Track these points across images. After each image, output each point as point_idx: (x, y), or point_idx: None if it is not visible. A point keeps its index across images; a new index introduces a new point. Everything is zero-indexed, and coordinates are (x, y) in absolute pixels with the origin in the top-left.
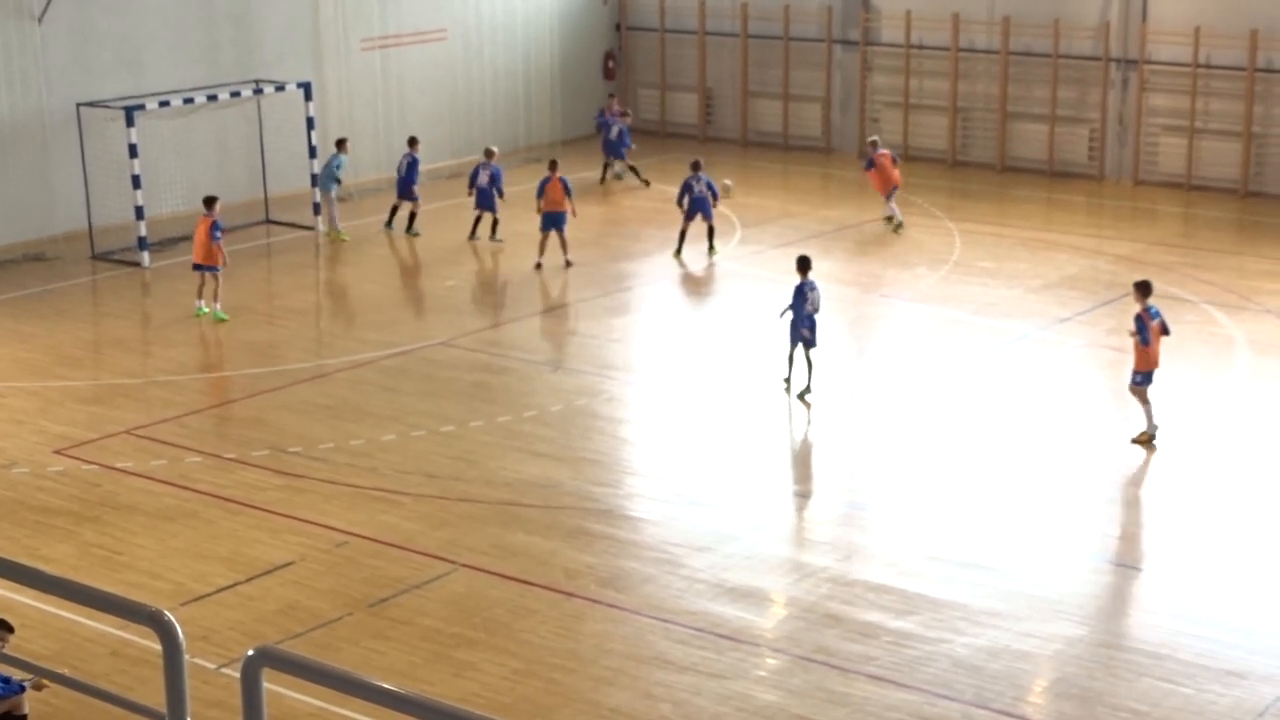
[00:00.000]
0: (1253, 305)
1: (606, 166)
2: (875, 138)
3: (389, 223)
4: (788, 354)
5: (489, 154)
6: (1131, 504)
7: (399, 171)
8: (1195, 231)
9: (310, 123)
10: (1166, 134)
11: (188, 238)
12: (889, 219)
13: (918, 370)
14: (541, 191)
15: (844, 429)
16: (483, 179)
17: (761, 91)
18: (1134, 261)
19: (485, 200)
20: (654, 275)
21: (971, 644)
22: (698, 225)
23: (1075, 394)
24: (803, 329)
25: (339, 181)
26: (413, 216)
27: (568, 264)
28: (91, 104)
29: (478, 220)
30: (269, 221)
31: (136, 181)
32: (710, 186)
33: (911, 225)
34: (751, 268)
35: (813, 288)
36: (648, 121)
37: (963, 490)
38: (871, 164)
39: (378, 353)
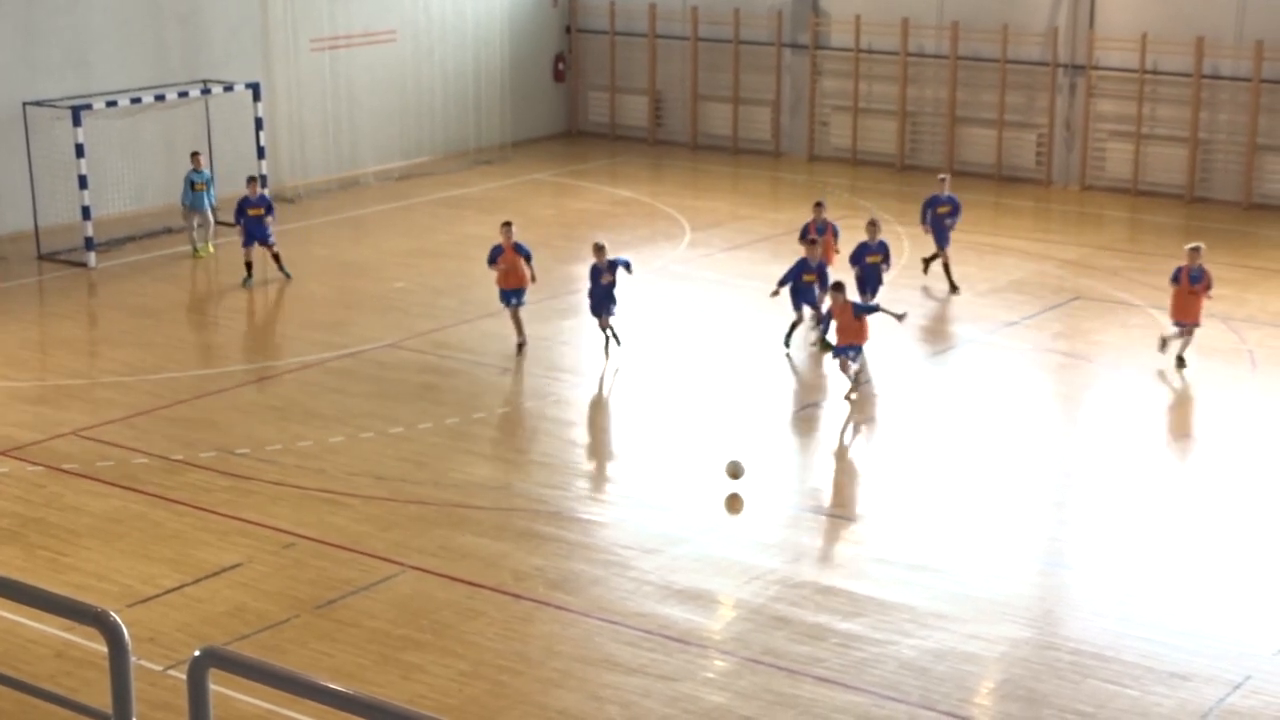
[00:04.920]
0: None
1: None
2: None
3: (248, 279)
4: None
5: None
6: (1076, 507)
7: (241, 221)
8: (1142, 236)
9: (259, 123)
10: (1114, 139)
11: (134, 238)
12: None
13: (864, 374)
14: (494, 261)
15: (790, 433)
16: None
17: (711, 95)
18: (1081, 266)
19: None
20: None
21: (918, 646)
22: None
23: (1022, 398)
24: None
25: (208, 197)
26: (277, 259)
27: (520, 346)
28: (38, 103)
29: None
30: (217, 223)
31: (83, 181)
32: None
33: (861, 228)
34: (701, 270)
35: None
36: (598, 125)
37: (910, 493)
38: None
39: (325, 354)
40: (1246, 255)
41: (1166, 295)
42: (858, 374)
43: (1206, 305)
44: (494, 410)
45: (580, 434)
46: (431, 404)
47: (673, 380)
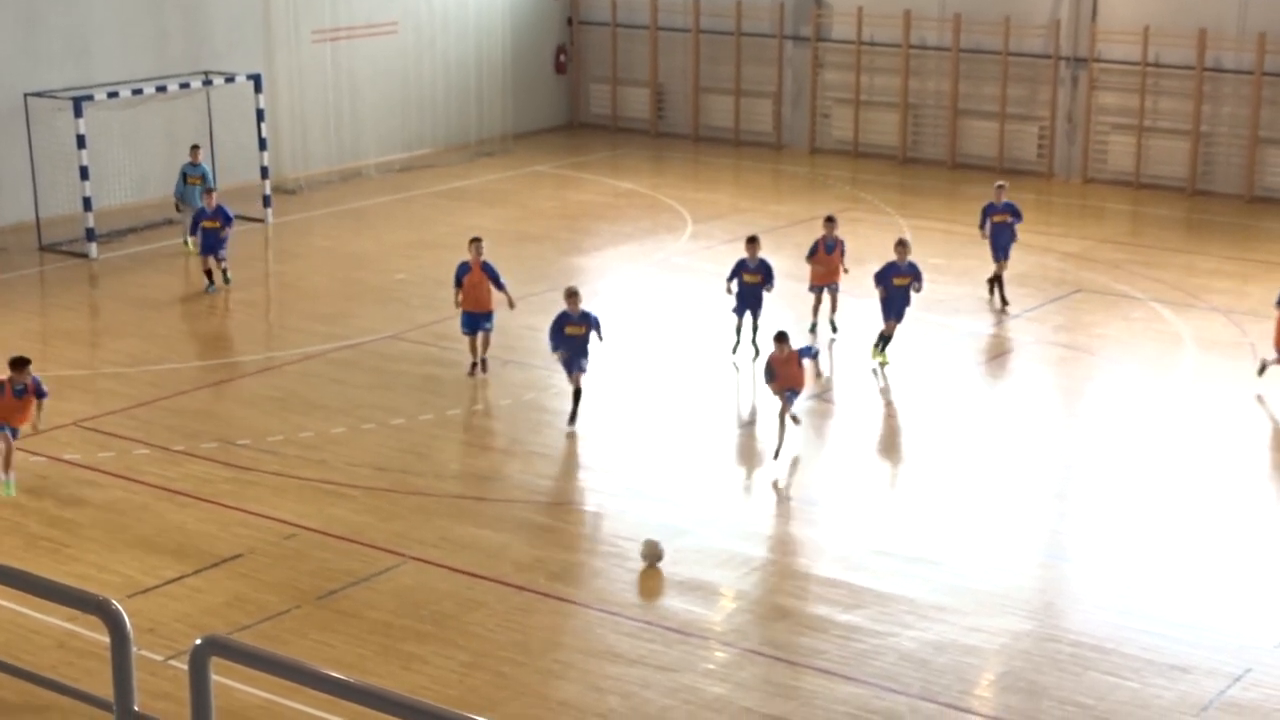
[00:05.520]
0: (1200, 303)
1: None
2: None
3: (209, 286)
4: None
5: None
6: (1078, 499)
7: (197, 231)
8: (1143, 229)
9: (260, 115)
10: (1115, 132)
11: (135, 229)
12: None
13: (866, 366)
14: (459, 281)
15: (792, 424)
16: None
17: (713, 87)
18: (1082, 259)
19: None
20: (605, 269)
21: (919, 638)
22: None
23: (1023, 390)
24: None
25: (206, 188)
26: (223, 270)
27: (479, 365)
28: (39, 94)
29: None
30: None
31: (84, 173)
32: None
33: (862, 221)
34: (702, 262)
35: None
36: (599, 117)
37: (911, 485)
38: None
39: (327, 345)
40: (1248, 248)
41: (1170, 289)
42: (793, 417)
43: (1213, 299)
44: (495, 402)
45: (581, 426)
46: (433, 395)
47: (674, 372)
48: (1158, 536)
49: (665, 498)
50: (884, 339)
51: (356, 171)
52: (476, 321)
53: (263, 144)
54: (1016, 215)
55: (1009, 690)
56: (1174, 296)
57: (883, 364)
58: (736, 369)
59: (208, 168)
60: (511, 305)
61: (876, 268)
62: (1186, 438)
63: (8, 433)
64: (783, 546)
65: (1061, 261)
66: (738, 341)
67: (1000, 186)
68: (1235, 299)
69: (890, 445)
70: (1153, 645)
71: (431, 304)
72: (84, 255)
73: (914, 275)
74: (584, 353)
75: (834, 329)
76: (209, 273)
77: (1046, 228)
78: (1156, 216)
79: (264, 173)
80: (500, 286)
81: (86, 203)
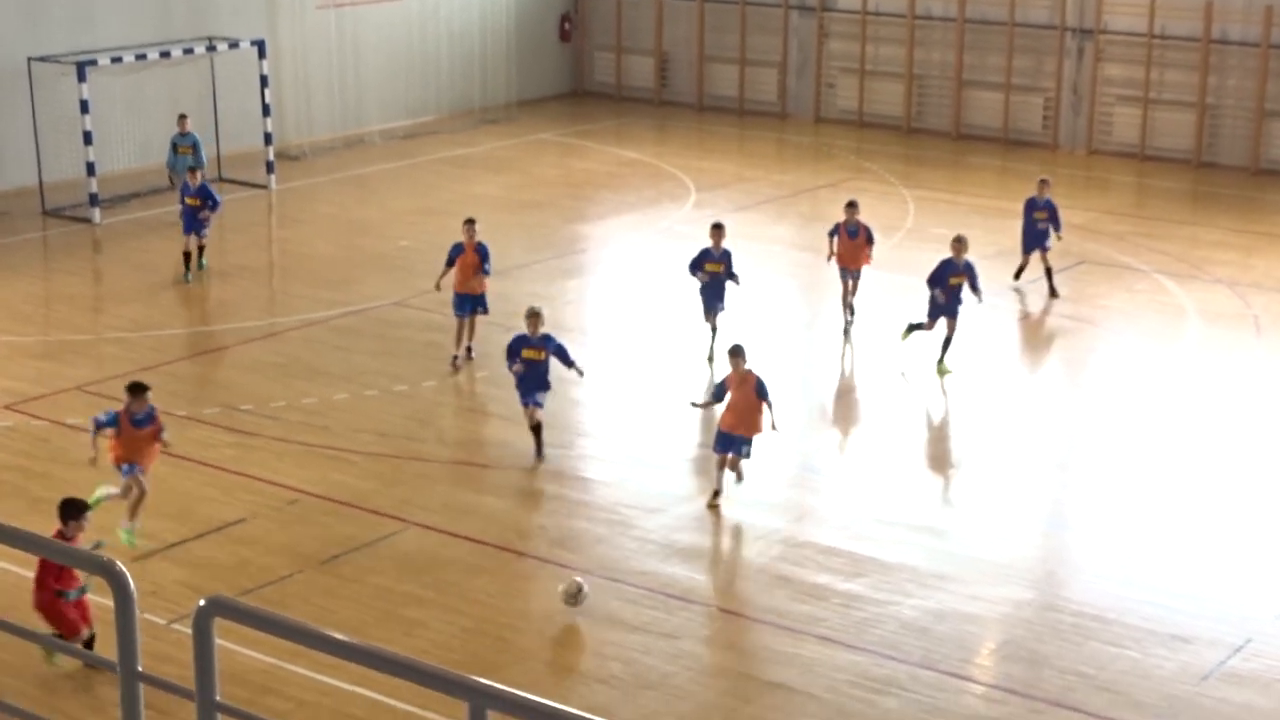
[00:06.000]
0: (1204, 275)
1: None
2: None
3: (187, 274)
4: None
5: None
6: (1080, 469)
7: (185, 204)
8: (1148, 201)
9: (264, 81)
10: (1121, 104)
11: (139, 194)
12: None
13: (870, 335)
14: (451, 261)
15: (796, 393)
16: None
17: (718, 56)
18: (1087, 230)
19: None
20: (608, 238)
21: (920, 606)
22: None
23: (1025, 360)
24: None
25: (197, 160)
26: (200, 250)
27: (467, 352)
28: (43, 59)
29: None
30: (221, 179)
31: (88, 138)
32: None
33: (866, 192)
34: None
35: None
36: (603, 85)
37: (913, 455)
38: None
39: (330, 312)
40: (1254, 220)
41: (1174, 261)
42: (737, 472)
43: (1217, 271)
44: (498, 369)
45: (584, 393)
46: (436, 362)
47: (677, 340)
48: (1160, 507)
49: (666, 465)
50: (944, 345)
51: (360, 138)
52: (468, 303)
53: (266, 110)
54: (1055, 220)
55: (1010, 659)
56: (1178, 268)
57: (943, 373)
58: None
59: (198, 136)
60: (482, 285)
61: (876, 235)
62: (1189, 409)
63: (138, 474)
64: (785, 514)
65: (1065, 233)
66: (713, 344)
67: (1044, 181)
68: (1239, 271)
69: (892, 414)
70: (1154, 615)
71: (435, 271)
72: (87, 220)
73: (970, 274)
74: (542, 384)
75: (851, 313)
76: (187, 256)
77: (1051, 199)
78: (1161, 188)
79: (267, 139)
80: (485, 271)
81: (90, 168)
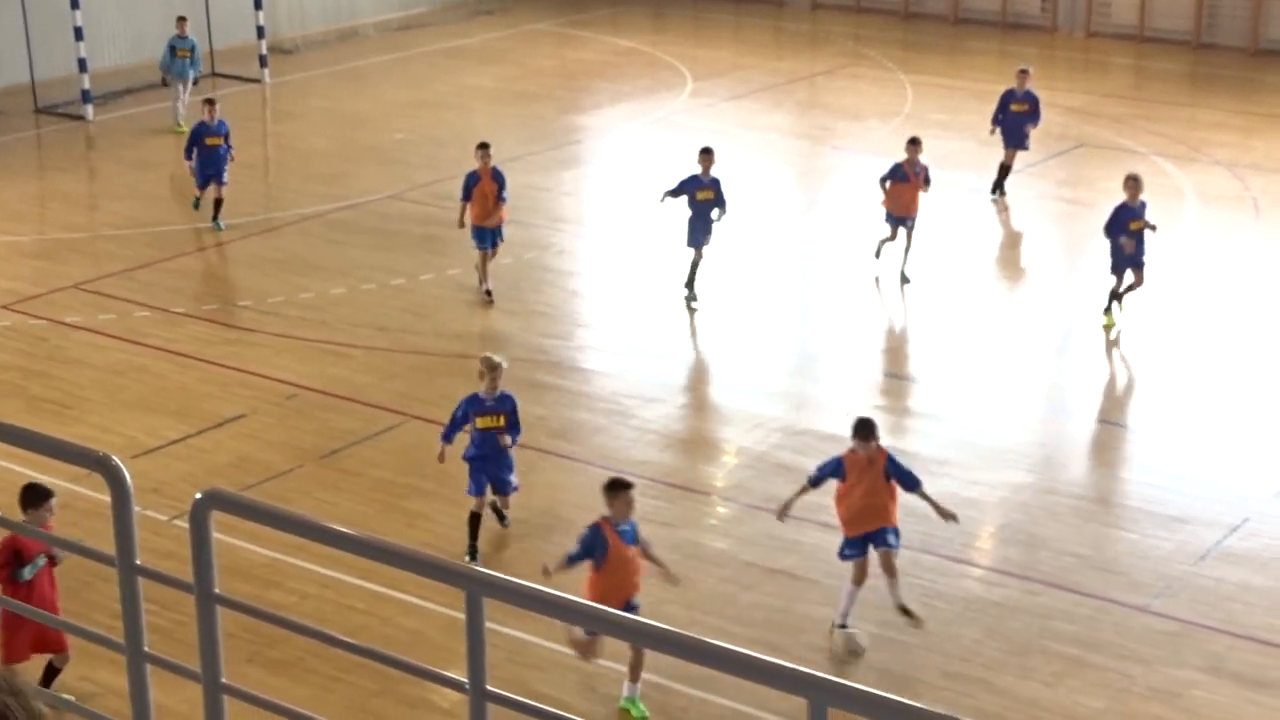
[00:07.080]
0: (1202, 157)
1: None
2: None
3: (218, 223)
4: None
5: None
6: (1078, 355)
7: (193, 155)
8: (1147, 83)
9: None
10: None
11: (132, 90)
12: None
13: (869, 222)
14: (468, 193)
15: (795, 280)
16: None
17: None
18: (1086, 114)
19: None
20: (604, 128)
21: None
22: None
23: (1026, 246)
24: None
25: (192, 65)
26: (218, 204)
27: (488, 294)
28: None
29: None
30: (215, 74)
31: (79, 33)
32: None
33: (863, 78)
34: (703, 120)
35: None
36: None
37: (913, 341)
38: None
39: (326, 206)
40: (1253, 101)
41: (1173, 143)
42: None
43: (1216, 153)
44: (496, 261)
45: (582, 284)
46: (433, 255)
47: (674, 231)
48: (1158, 390)
49: (667, 355)
50: (1115, 296)
51: (354, 30)
52: (489, 236)
53: (258, 3)
54: (1036, 112)
55: (1008, 542)
56: (1176, 150)
57: (1109, 326)
58: (692, 310)
59: (196, 40)
60: (502, 216)
61: (874, 121)
62: (1187, 292)
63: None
64: (784, 402)
65: (1064, 116)
66: (691, 277)
67: (1023, 72)
68: (1238, 152)
69: (892, 301)
70: (1153, 497)
71: (431, 163)
72: (80, 117)
73: (1144, 218)
74: (504, 460)
75: (905, 280)
76: (217, 202)
77: (1049, 82)
78: (1160, 70)
79: (260, 32)
80: (502, 199)
81: (82, 64)
